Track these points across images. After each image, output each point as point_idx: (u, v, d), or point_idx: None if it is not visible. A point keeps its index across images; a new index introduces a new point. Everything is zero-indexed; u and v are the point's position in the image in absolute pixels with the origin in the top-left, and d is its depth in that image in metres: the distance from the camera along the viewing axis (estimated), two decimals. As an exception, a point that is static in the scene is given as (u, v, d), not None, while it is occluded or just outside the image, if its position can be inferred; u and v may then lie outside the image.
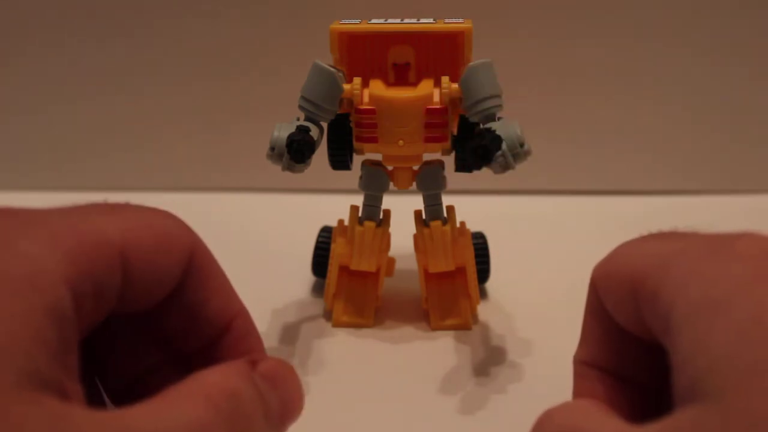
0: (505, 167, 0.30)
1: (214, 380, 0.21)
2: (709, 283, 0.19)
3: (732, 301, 0.18)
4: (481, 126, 0.31)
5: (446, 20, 0.33)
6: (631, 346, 0.24)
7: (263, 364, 0.23)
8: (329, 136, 0.34)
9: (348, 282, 0.36)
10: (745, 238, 0.20)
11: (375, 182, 0.35)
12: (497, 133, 0.29)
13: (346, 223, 0.36)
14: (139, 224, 0.22)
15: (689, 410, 0.17)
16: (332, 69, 0.32)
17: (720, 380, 0.17)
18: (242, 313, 0.25)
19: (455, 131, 0.34)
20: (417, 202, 0.35)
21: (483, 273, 0.38)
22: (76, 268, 0.20)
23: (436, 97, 0.32)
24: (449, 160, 0.35)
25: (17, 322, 0.18)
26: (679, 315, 0.19)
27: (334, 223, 0.38)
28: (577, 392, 0.25)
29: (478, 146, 0.29)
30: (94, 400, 0.24)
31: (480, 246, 0.38)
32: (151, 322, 0.25)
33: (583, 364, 0.25)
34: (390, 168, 0.35)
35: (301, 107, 0.32)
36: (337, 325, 0.36)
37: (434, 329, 0.36)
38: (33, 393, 0.17)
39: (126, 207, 0.23)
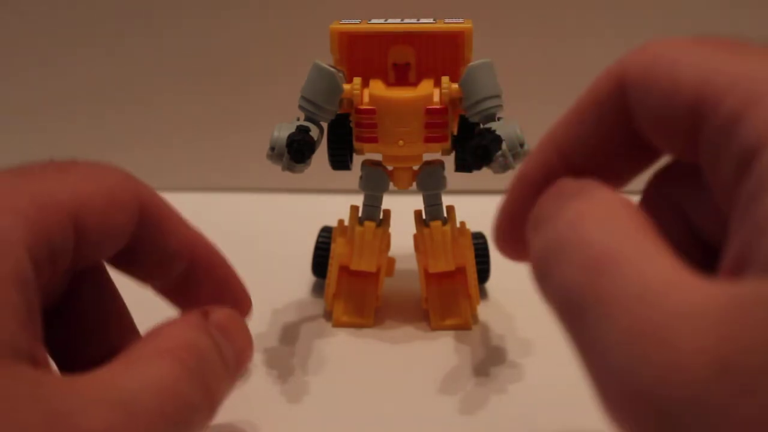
0: (505, 167, 0.30)
1: (175, 335, 0.21)
2: None
3: None
4: (481, 126, 0.31)
5: (446, 20, 0.33)
6: (633, 158, 0.20)
7: (215, 315, 0.24)
8: (329, 136, 0.34)
9: (348, 282, 0.36)
10: None
11: (375, 182, 0.35)
12: (497, 133, 0.29)
13: (346, 223, 0.36)
14: (90, 183, 0.22)
15: None
16: (332, 69, 0.32)
17: None
18: (201, 242, 0.26)
19: (455, 131, 0.34)
20: (417, 202, 0.35)
21: (483, 273, 0.38)
22: (33, 234, 0.20)
23: (436, 97, 0.32)
24: (449, 160, 0.35)
25: None
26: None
27: (334, 223, 0.38)
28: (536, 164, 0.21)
29: (478, 146, 0.29)
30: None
31: (480, 246, 0.38)
32: (117, 265, 0.25)
33: (552, 145, 0.21)
34: (390, 168, 0.35)
35: (301, 107, 0.32)
36: (337, 325, 0.36)
37: (434, 329, 0.36)
38: (8, 362, 0.18)
39: (75, 165, 0.23)
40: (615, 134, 0.20)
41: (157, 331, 0.22)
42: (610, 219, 0.17)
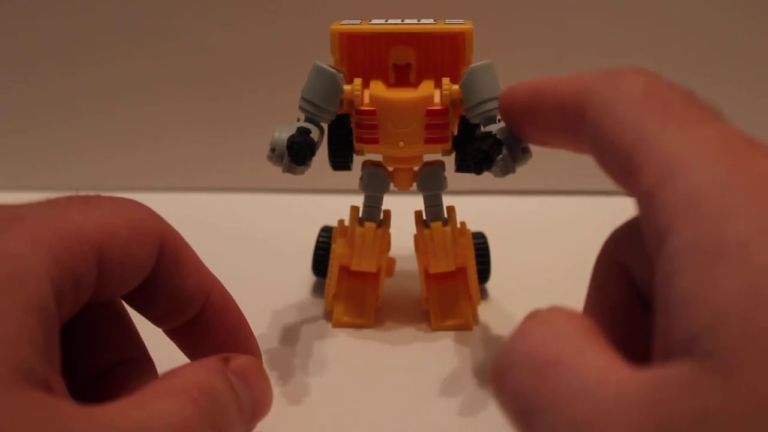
0: (506, 171, 0.30)
1: (192, 377, 0.22)
2: (731, 217, 0.16)
3: (750, 247, 0.15)
4: (482, 128, 0.31)
5: (447, 21, 0.33)
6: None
7: (235, 361, 0.24)
8: (330, 137, 0.34)
9: (348, 282, 0.36)
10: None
11: (375, 183, 0.35)
12: (498, 136, 0.29)
13: (347, 223, 0.36)
14: (113, 218, 0.23)
15: (686, 367, 0.15)
16: (333, 70, 0.32)
17: (727, 342, 0.15)
18: (216, 286, 0.27)
19: (456, 132, 0.34)
20: (417, 202, 0.35)
21: (483, 273, 0.38)
22: (57, 265, 0.20)
23: (437, 98, 0.32)
24: (449, 161, 0.35)
25: (6, 320, 0.18)
26: (679, 247, 0.16)
27: (334, 223, 0.38)
28: (588, 296, 0.25)
29: (478, 151, 0.29)
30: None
31: (480, 246, 0.38)
32: (133, 304, 0.26)
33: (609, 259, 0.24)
34: (390, 169, 0.35)
35: (301, 108, 0.32)
36: (338, 325, 0.36)
37: (435, 330, 0.36)
38: (24, 388, 0.18)
39: (99, 200, 0.23)
40: None
41: (174, 372, 0.22)
42: (552, 328, 0.19)
